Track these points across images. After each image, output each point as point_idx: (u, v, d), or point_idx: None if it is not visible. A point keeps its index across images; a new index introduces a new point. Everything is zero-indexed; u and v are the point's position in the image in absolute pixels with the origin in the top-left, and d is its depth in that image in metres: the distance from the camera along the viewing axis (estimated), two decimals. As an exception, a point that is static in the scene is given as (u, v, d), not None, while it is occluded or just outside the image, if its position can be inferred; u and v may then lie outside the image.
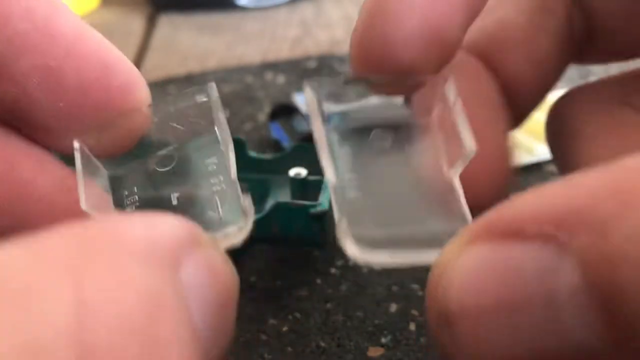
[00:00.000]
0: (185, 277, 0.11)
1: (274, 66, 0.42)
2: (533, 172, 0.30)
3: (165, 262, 0.11)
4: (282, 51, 0.46)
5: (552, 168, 0.31)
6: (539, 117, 0.33)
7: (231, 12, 0.55)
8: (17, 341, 0.08)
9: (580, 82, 0.40)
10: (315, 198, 0.24)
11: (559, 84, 0.45)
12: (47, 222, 0.17)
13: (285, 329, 0.21)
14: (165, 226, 0.11)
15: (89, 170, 0.17)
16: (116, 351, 0.09)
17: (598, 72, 0.41)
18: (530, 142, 0.31)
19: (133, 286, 0.09)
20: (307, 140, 0.30)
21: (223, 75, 0.41)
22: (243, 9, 0.55)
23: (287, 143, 0.31)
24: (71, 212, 0.18)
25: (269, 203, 0.25)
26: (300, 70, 0.42)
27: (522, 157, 0.31)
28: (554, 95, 0.34)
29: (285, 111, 0.32)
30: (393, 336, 0.21)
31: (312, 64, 0.43)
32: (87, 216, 0.19)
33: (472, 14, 0.16)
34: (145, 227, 0.11)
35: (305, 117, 0.32)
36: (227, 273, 0.13)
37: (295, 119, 0.32)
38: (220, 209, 0.16)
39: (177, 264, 0.11)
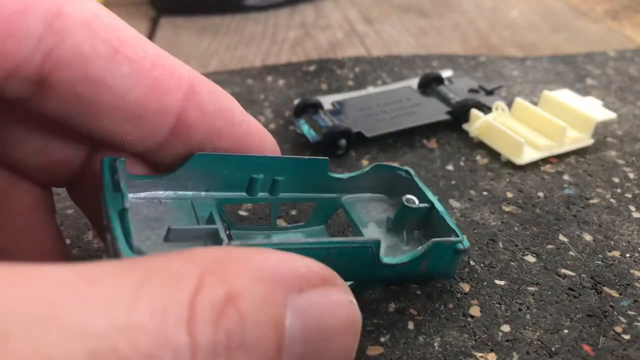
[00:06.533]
0: (301, 308, 0.13)
1: (275, 69, 0.43)
2: (530, 172, 0.30)
3: (282, 291, 0.12)
4: (282, 53, 0.46)
5: (549, 168, 0.31)
6: (545, 115, 0.33)
7: (231, 15, 0.55)
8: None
9: (576, 84, 0.40)
10: (415, 224, 0.23)
11: (557, 84, 0.46)
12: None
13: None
14: (299, 263, 0.13)
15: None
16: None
17: (595, 74, 0.41)
18: (538, 139, 0.32)
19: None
20: (331, 134, 0.31)
21: (224, 78, 0.41)
22: (244, 11, 0.55)
23: (313, 138, 0.32)
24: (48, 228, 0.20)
25: (422, 244, 0.22)
26: (300, 73, 0.42)
27: (529, 153, 0.31)
28: (549, 93, 0.34)
29: (309, 107, 0.34)
30: (392, 335, 0.21)
31: (312, 67, 0.43)
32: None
33: None
34: (280, 261, 0.13)
35: (327, 113, 0.34)
36: (349, 314, 0.14)
37: (317, 115, 0.34)
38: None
39: (294, 294, 0.13)
